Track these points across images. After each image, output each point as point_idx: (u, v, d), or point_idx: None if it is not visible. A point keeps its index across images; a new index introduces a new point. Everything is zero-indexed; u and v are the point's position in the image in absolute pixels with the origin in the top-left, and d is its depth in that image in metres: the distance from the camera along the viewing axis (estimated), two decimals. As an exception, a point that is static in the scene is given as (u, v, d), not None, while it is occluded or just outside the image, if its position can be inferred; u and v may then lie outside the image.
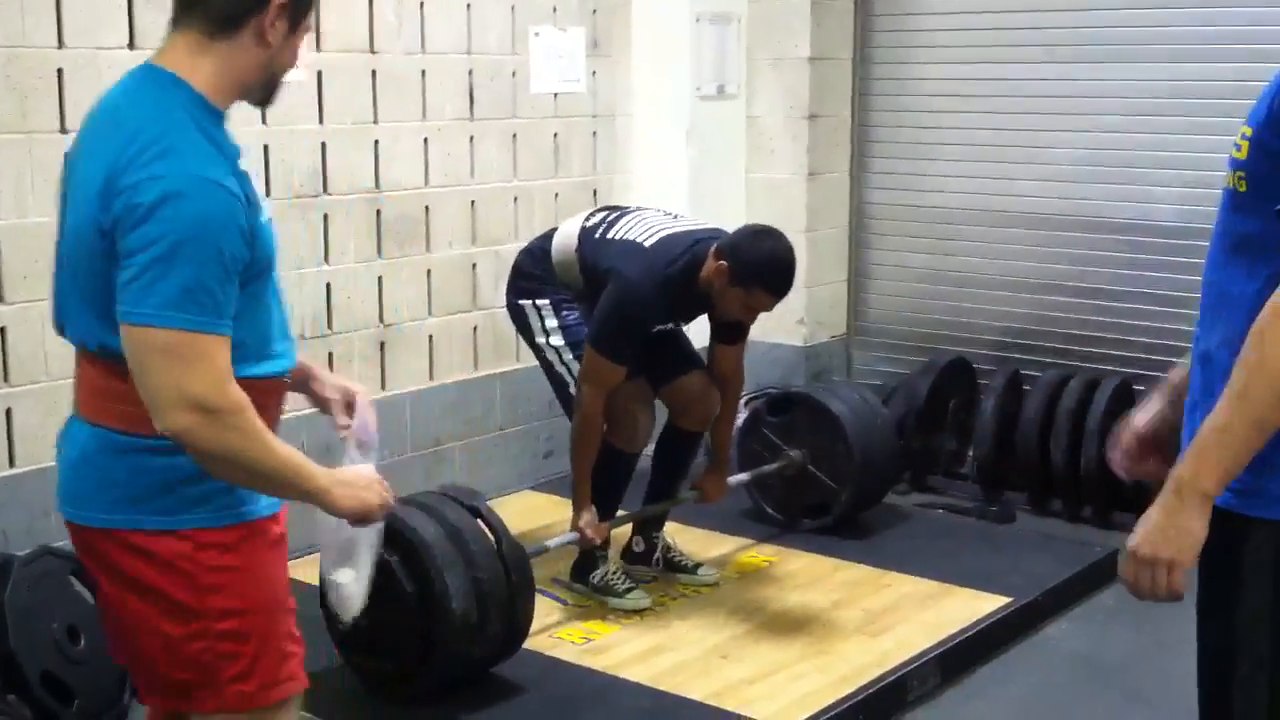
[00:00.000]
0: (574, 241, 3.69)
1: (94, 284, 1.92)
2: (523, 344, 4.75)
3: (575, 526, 3.66)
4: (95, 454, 1.99)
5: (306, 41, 4.00)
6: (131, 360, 1.87)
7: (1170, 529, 1.78)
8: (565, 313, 3.74)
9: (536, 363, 3.87)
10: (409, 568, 3.10)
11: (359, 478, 2.08)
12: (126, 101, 1.96)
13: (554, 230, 3.82)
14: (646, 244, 3.57)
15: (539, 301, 3.75)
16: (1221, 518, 1.86)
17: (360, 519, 2.08)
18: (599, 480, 3.72)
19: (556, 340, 3.74)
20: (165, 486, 1.96)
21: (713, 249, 3.51)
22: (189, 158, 1.87)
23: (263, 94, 2.07)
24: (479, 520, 3.23)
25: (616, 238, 3.61)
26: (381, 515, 2.11)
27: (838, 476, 4.30)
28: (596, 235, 3.65)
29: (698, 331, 3.90)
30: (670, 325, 3.75)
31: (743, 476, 4.30)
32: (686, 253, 3.55)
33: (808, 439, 4.36)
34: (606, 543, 3.84)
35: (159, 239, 1.82)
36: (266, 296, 2.03)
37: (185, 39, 1.96)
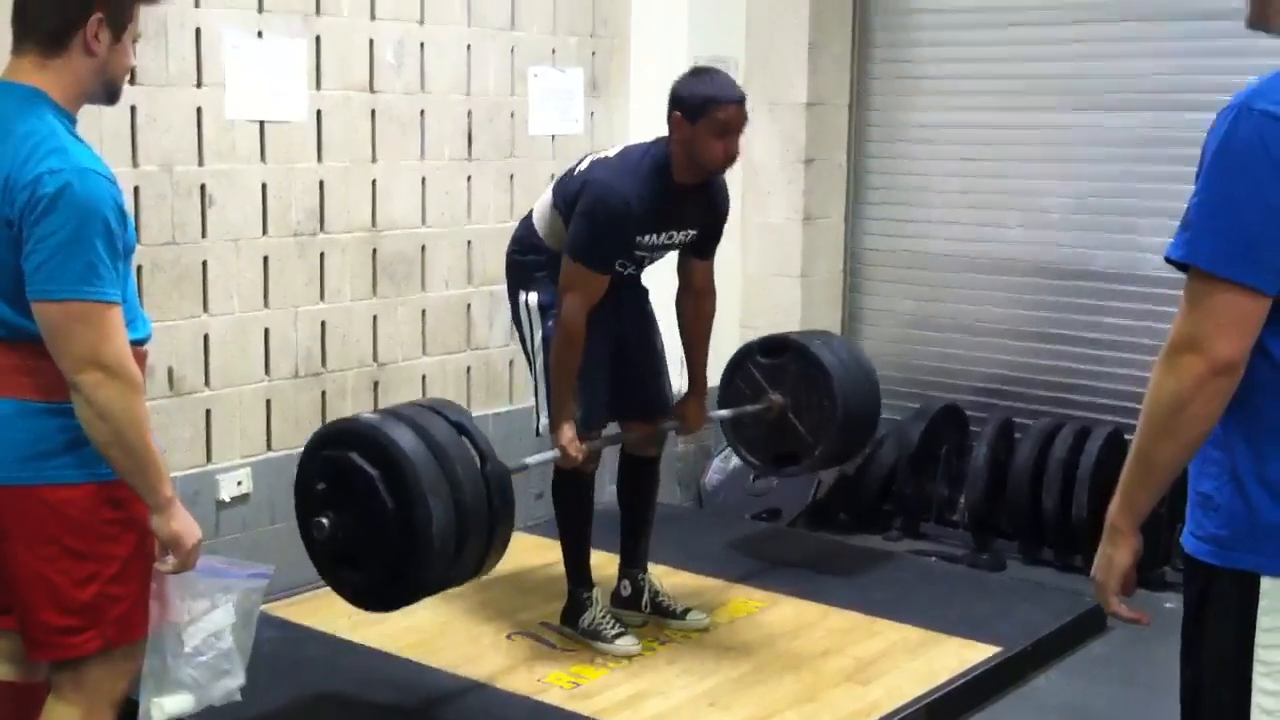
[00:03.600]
0: (549, 198, 3.71)
1: (1, 272, 2.20)
2: (515, 384, 4.80)
3: (557, 443, 3.59)
4: (7, 419, 2.25)
5: (305, 80, 4.06)
6: (52, 330, 2.18)
7: (1102, 557, 1.99)
8: (550, 322, 3.70)
9: (528, 404, 3.87)
10: (390, 484, 3.03)
11: (194, 525, 2.34)
12: (2, 112, 2.25)
13: (530, 214, 3.81)
14: (611, 155, 3.64)
15: (529, 300, 3.69)
16: (1195, 567, 1.92)
17: (172, 547, 2.31)
18: (564, 512, 3.78)
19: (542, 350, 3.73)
20: (72, 444, 2.25)
21: (667, 128, 3.56)
22: (73, 154, 2.20)
23: (105, 97, 2.37)
24: (464, 437, 3.17)
25: (582, 167, 3.66)
26: (184, 563, 2.33)
27: (816, 430, 4.20)
28: (564, 178, 3.69)
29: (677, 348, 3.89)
30: (656, 238, 3.63)
31: (723, 413, 4.24)
32: (650, 149, 3.60)
33: (793, 386, 4.24)
34: (592, 584, 3.82)
35: (64, 225, 2.15)
36: (129, 274, 2.35)
37: (28, 60, 2.28)
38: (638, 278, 3.80)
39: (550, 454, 3.61)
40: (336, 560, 3.15)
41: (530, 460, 3.59)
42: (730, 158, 3.55)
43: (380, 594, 3.16)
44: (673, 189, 3.56)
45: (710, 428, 5.27)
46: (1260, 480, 1.85)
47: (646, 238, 3.60)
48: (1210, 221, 1.81)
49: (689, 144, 3.51)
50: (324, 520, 3.07)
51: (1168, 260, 1.88)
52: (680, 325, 3.89)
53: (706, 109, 3.47)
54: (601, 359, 3.68)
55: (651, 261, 3.76)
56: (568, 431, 3.57)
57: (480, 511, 3.10)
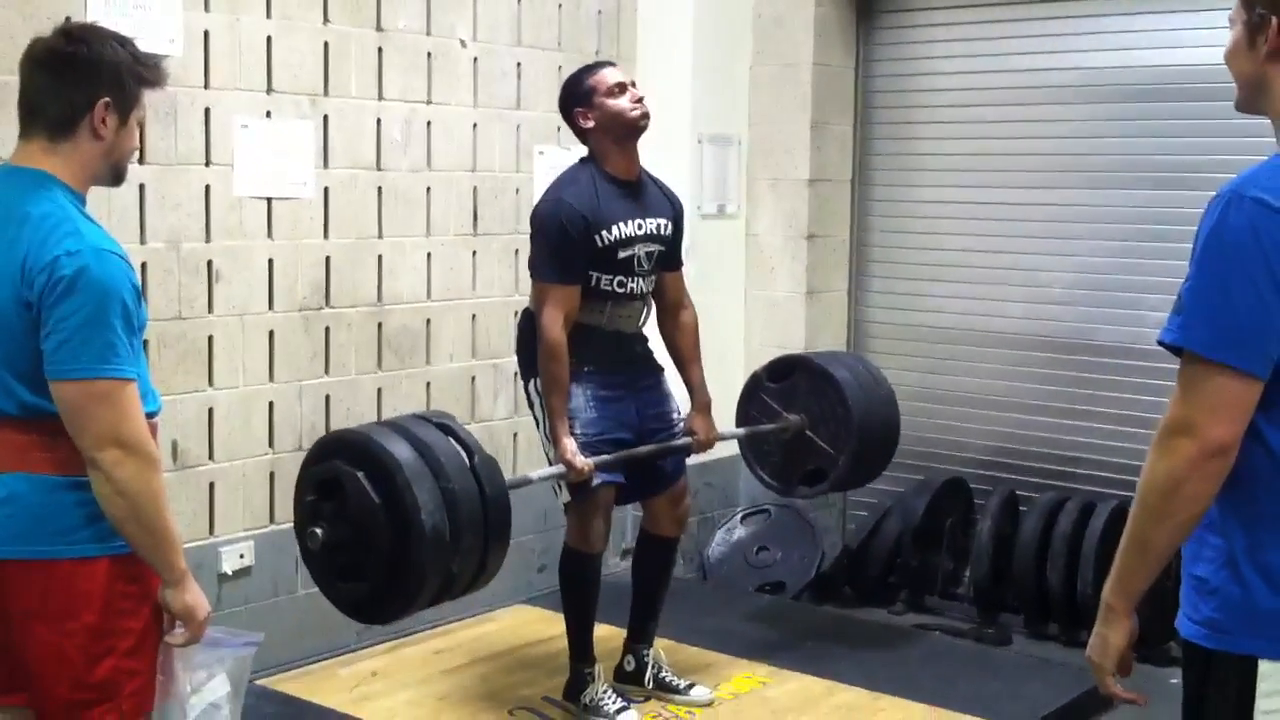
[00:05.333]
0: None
1: (19, 353, 2.24)
2: (520, 456, 4.82)
3: (561, 458, 3.55)
4: (26, 495, 2.26)
5: (313, 158, 4.13)
6: (72, 409, 2.21)
7: (1097, 638, 1.99)
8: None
9: (531, 476, 3.86)
10: (376, 482, 3.03)
11: (204, 597, 2.38)
12: (14, 196, 2.29)
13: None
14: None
15: (538, 384, 3.68)
16: (1192, 651, 1.92)
17: (185, 620, 2.35)
18: (570, 589, 3.73)
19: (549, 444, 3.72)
20: (89, 519, 2.26)
21: (579, 135, 3.70)
22: (89, 235, 2.25)
23: (111, 179, 2.42)
24: (450, 437, 3.17)
25: None
26: (195, 635, 2.37)
27: (836, 442, 4.16)
28: None
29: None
30: (625, 229, 3.62)
31: (739, 432, 4.22)
32: (576, 164, 3.73)
33: (807, 404, 4.21)
34: (594, 660, 3.80)
35: (82, 306, 2.19)
36: (141, 349, 2.36)
37: (35, 144, 2.33)
38: (643, 299, 3.75)
39: (556, 469, 3.58)
40: (338, 574, 3.14)
41: (534, 475, 3.57)
42: (642, 106, 3.64)
43: (386, 596, 3.10)
44: (612, 181, 3.64)
45: (717, 491, 5.27)
46: (1256, 564, 1.86)
47: (613, 231, 3.62)
48: (1203, 306, 1.84)
49: (603, 123, 3.62)
50: (317, 530, 3.09)
51: (1161, 344, 1.90)
52: (667, 345, 3.91)
53: (593, 84, 3.64)
54: (617, 411, 3.69)
55: (643, 269, 3.69)
56: (569, 445, 3.55)
57: (471, 500, 3.09)
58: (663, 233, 3.74)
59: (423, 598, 3.12)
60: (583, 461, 3.54)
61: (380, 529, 3.02)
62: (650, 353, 3.85)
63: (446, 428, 3.20)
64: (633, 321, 3.76)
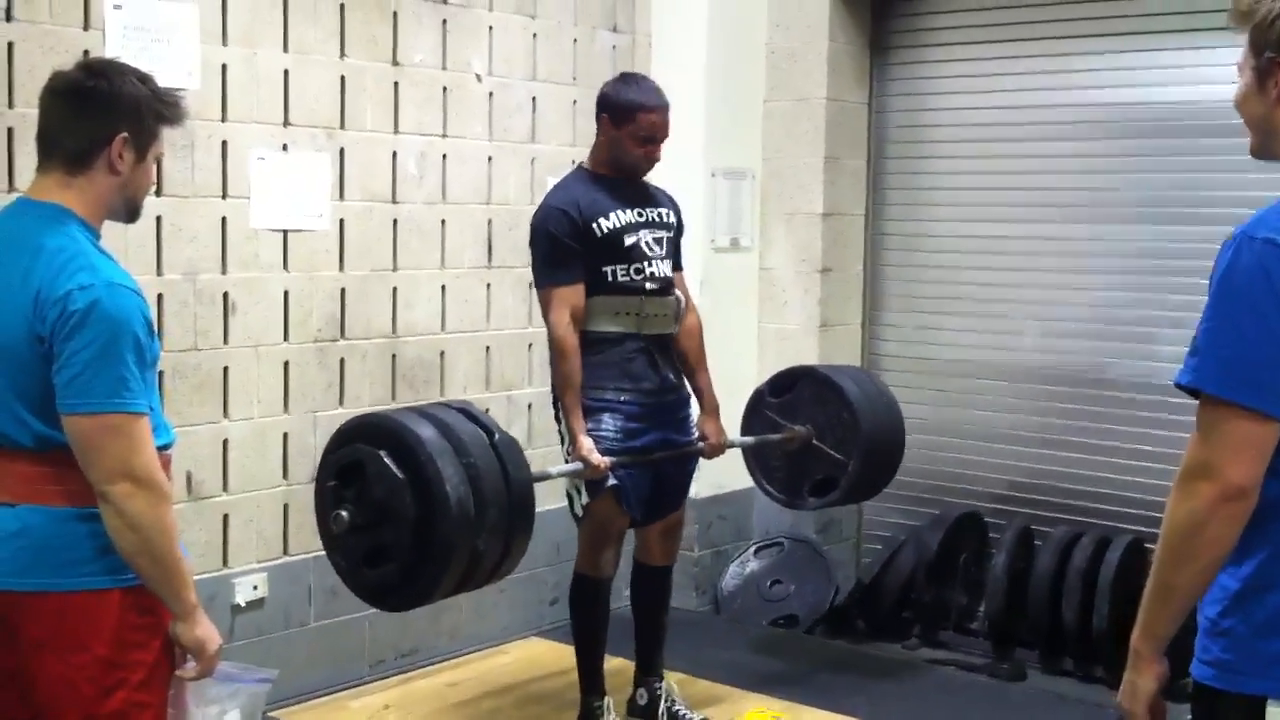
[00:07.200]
0: None
1: (32, 386, 2.24)
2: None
3: (578, 455, 3.55)
4: (39, 527, 2.26)
5: (329, 190, 4.15)
6: (83, 443, 2.21)
7: (1127, 684, 1.98)
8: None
9: (550, 471, 3.84)
10: (399, 459, 3.04)
11: (215, 631, 2.37)
12: (29, 229, 2.29)
13: None
14: None
15: (559, 408, 3.71)
16: (1200, 691, 1.91)
17: (195, 653, 2.34)
18: (579, 618, 3.73)
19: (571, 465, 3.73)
20: (101, 551, 2.25)
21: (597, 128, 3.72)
22: (102, 269, 2.25)
23: (126, 214, 2.43)
24: (469, 419, 3.19)
25: None
26: (207, 669, 2.36)
27: (844, 449, 4.14)
28: None
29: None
30: (624, 216, 3.66)
31: (748, 440, 4.20)
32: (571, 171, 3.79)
33: (812, 415, 4.20)
34: (604, 692, 3.78)
35: (94, 339, 2.19)
36: (154, 382, 2.35)
37: (52, 177, 2.34)
38: (669, 292, 3.75)
39: (573, 465, 3.58)
40: (364, 558, 3.12)
41: (553, 470, 3.59)
42: (651, 162, 3.70)
43: (414, 576, 3.08)
44: (604, 179, 3.70)
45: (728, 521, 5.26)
46: (1266, 604, 1.85)
47: (610, 219, 3.65)
48: (1217, 348, 1.84)
49: (613, 144, 3.67)
50: (343, 513, 3.08)
51: (1178, 386, 1.90)
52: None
53: (633, 115, 3.63)
54: (646, 441, 3.69)
55: (655, 253, 3.71)
56: (586, 442, 3.55)
57: (494, 476, 3.10)
58: (666, 220, 3.79)
59: (450, 577, 3.08)
60: (599, 458, 3.54)
61: (406, 504, 3.02)
62: (683, 382, 3.86)
63: (466, 411, 3.22)
64: (666, 321, 3.74)
